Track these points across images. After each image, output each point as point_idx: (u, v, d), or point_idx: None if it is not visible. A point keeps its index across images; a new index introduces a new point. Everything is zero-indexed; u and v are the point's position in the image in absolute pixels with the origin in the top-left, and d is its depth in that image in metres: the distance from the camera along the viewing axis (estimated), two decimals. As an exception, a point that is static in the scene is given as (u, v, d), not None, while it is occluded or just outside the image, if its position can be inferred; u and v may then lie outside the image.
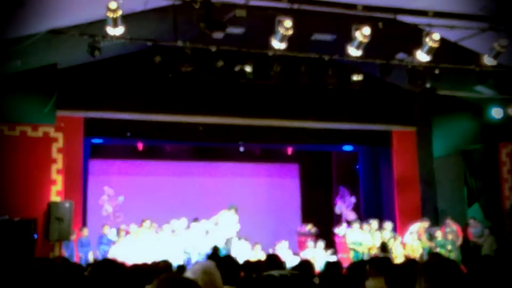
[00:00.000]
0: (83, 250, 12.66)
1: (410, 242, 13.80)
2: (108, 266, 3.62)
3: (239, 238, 13.92)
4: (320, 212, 17.54)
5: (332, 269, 4.66)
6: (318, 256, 13.58)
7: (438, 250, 13.32)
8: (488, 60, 11.51)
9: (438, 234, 13.87)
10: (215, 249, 11.66)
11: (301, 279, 2.31)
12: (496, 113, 14.17)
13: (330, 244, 14.84)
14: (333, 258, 12.56)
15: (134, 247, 12.67)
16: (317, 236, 15.46)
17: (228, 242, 13.62)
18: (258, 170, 18.37)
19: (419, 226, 14.08)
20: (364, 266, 4.92)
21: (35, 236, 11.70)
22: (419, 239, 13.85)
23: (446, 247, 13.51)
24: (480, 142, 14.98)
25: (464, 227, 14.19)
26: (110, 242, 12.90)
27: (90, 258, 12.39)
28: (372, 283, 4.65)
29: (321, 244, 14.28)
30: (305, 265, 5.43)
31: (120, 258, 11.73)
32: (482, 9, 10.86)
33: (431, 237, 13.99)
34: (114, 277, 3.49)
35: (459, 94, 14.53)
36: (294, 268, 5.49)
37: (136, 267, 5.21)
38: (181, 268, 7.76)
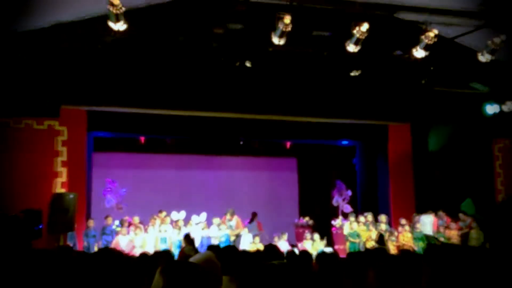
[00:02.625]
0: (88, 240, 12.91)
1: (421, 233, 14.08)
2: (108, 255, 3.79)
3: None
4: (318, 204, 17.79)
5: (327, 259, 4.87)
6: (315, 247, 13.87)
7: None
8: (484, 57, 11.69)
9: (418, 225, 14.20)
10: (187, 237, 11.38)
11: (300, 268, 2.50)
12: (491, 109, 14.38)
13: (327, 236, 15.09)
14: (329, 249, 12.81)
15: (138, 238, 12.96)
16: (314, 228, 15.71)
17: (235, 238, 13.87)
18: (257, 163, 18.59)
19: (432, 218, 14.38)
20: (364, 257, 5.10)
21: (41, 226, 11.93)
22: (438, 231, 14.14)
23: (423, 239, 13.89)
24: (474, 138, 15.19)
25: (454, 220, 14.43)
26: (113, 233, 13.15)
27: (95, 248, 12.62)
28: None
29: (318, 235, 14.54)
30: (303, 255, 5.65)
31: (123, 248, 12.02)
32: (480, 5, 11.04)
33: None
34: (114, 265, 3.68)
35: (455, 90, 14.72)
36: (292, 258, 5.72)
37: (138, 256, 5.38)
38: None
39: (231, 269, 4.08)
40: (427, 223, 14.40)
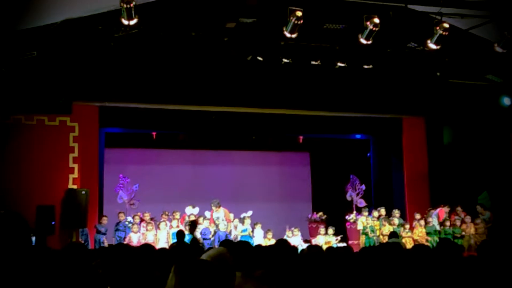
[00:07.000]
0: (99, 236, 12.92)
1: (434, 227, 14.00)
2: (121, 252, 3.75)
3: (255, 224, 14.12)
4: (331, 199, 17.67)
5: (338, 254, 4.79)
6: (327, 241, 13.80)
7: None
8: (498, 48, 11.53)
9: (430, 220, 14.10)
10: (180, 234, 11.22)
11: (311, 263, 2.44)
12: (507, 101, 14.20)
13: (341, 230, 14.99)
14: (342, 245, 12.73)
15: (149, 234, 12.96)
16: (328, 223, 15.59)
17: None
18: (269, 158, 18.51)
19: (439, 211, 14.29)
20: (378, 252, 5.01)
21: (53, 223, 11.98)
22: (442, 224, 14.05)
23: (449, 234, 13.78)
24: (490, 130, 14.99)
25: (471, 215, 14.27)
26: (126, 229, 13.16)
27: (105, 244, 12.61)
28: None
29: (332, 230, 14.46)
30: (316, 250, 5.58)
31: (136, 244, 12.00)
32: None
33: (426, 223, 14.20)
34: (126, 261, 3.64)
35: (470, 82, 14.53)
36: (305, 252, 5.65)
37: (152, 250, 5.35)
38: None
39: (244, 265, 4.07)
40: (434, 216, 14.34)
